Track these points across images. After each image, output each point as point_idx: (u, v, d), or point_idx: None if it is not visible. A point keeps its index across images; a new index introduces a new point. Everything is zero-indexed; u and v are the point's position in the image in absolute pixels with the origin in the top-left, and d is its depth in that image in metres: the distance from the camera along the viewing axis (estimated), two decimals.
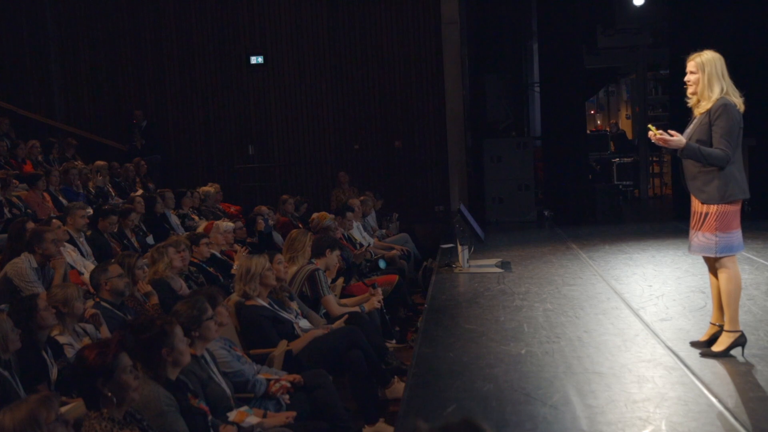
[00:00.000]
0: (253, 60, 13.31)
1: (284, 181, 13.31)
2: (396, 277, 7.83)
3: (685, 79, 4.66)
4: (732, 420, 3.74)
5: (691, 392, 4.12)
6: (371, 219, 10.69)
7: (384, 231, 10.77)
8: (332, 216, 8.98)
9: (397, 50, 13.12)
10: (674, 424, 3.72)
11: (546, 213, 12.74)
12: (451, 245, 8.99)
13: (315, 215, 9.09)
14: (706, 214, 4.60)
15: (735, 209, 4.59)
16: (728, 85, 4.54)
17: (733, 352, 4.63)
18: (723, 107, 4.47)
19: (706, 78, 4.53)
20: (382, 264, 8.51)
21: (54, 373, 4.32)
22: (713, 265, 4.75)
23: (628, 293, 6.50)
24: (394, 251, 9.22)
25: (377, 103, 13.24)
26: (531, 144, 13.32)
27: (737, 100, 4.54)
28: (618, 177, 15.11)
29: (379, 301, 6.42)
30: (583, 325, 5.58)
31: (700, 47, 4.71)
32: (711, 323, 4.87)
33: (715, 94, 4.51)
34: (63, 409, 3.04)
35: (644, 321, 5.56)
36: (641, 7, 12.74)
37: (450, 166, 12.99)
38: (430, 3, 12.96)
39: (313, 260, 6.48)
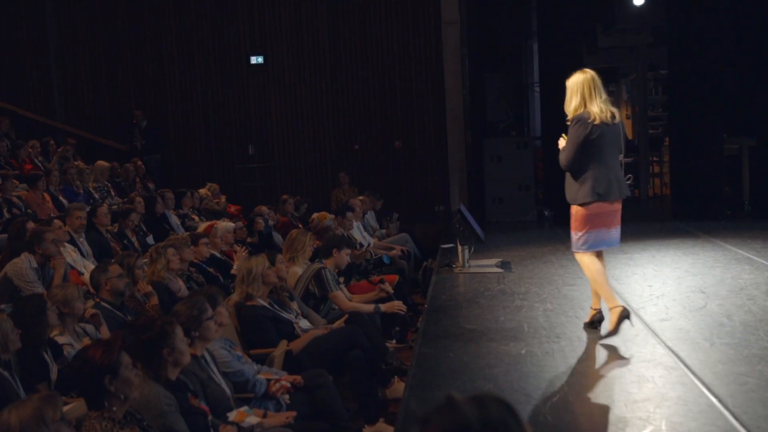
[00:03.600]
0: (253, 60, 13.31)
1: (284, 181, 13.32)
2: (396, 277, 7.83)
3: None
4: (732, 420, 3.74)
5: (691, 392, 4.12)
6: (371, 219, 10.69)
7: (384, 231, 10.77)
8: (332, 216, 8.99)
9: (397, 50, 13.12)
10: (674, 424, 3.72)
11: (546, 213, 12.72)
12: (451, 245, 8.98)
13: (315, 215, 9.10)
14: (570, 214, 5.18)
15: (590, 212, 5.04)
16: (590, 100, 5.04)
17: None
18: (572, 121, 5.10)
19: (570, 96, 5.15)
20: (386, 259, 8.52)
21: (54, 373, 4.33)
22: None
23: (628, 293, 6.49)
24: (394, 251, 9.22)
25: (377, 103, 13.24)
26: (531, 144, 13.30)
27: (596, 112, 4.99)
28: None
29: (399, 308, 6.44)
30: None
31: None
32: (591, 308, 5.35)
33: (572, 109, 5.12)
34: (63, 409, 3.04)
35: (644, 321, 5.56)
36: (641, 6, 12.71)
37: (450, 166, 12.99)
38: (430, 3, 12.96)
39: (323, 260, 6.49)
